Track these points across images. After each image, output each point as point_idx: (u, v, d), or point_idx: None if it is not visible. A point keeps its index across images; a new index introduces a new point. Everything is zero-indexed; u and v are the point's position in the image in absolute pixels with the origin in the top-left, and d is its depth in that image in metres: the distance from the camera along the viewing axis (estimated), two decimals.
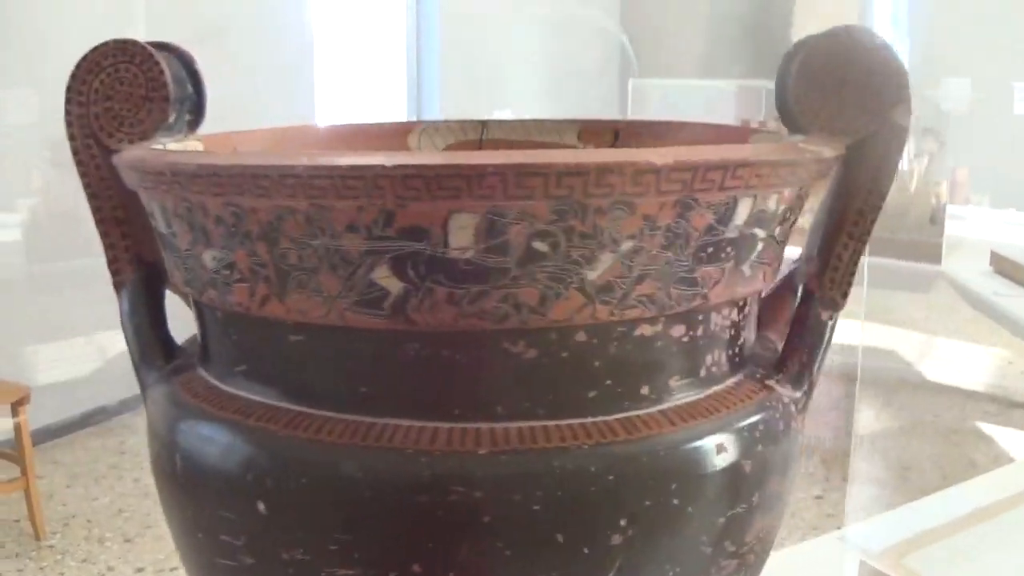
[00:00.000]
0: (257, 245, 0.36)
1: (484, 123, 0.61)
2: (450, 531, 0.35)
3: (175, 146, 0.47)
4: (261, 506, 0.37)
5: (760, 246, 0.40)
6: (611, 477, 0.36)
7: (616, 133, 0.58)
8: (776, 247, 0.41)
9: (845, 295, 0.45)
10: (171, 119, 0.48)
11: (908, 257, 1.68)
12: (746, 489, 0.40)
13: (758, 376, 0.43)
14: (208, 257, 0.38)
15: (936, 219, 1.75)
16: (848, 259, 0.44)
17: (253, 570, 0.38)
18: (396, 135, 0.60)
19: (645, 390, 0.38)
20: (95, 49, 0.45)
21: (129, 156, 0.39)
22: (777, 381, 0.43)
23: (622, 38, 3.89)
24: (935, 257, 1.67)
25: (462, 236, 0.33)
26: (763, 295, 0.53)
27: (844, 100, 0.43)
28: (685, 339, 0.39)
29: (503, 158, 0.32)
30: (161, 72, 0.45)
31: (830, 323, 0.44)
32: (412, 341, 0.36)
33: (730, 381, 0.42)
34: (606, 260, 0.35)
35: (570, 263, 0.34)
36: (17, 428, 1.85)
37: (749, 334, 0.44)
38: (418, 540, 0.35)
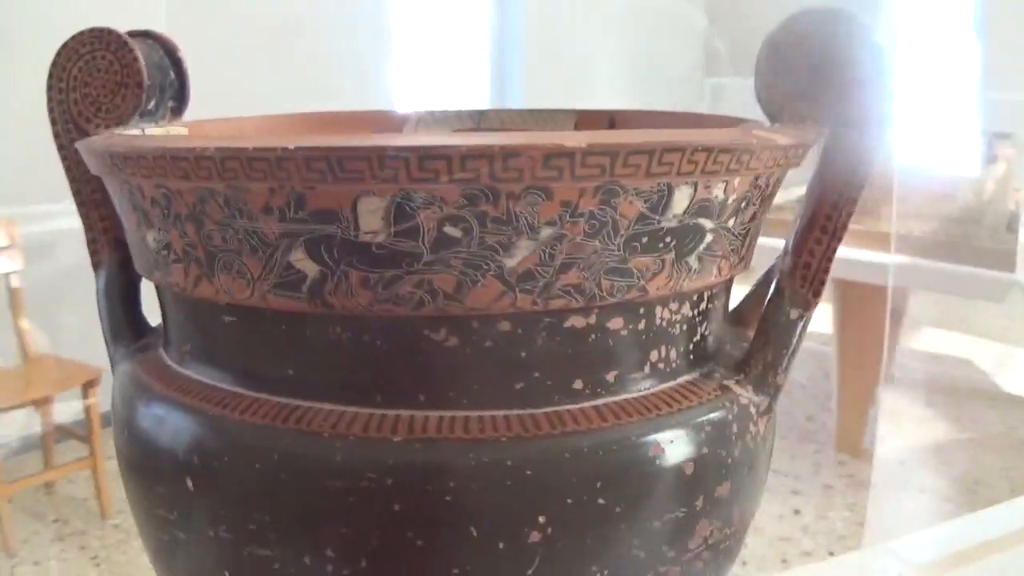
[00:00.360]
0: (187, 226, 0.36)
1: (482, 113, 0.60)
2: (362, 518, 0.35)
3: (156, 131, 0.48)
4: (189, 483, 0.37)
5: (709, 238, 0.38)
6: (529, 472, 0.35)
7: (611, 121, 0.57)
8: (733, 240, 0.40)
9: (817, 294, 0.42)
10: (150, 105, 0.49)
11: (982, 264, 1.60)
12: (688, 492, 0.38)
13: (716, 375, 0.41)
14: (151, 238, 0.39)
15: (1013, 227, 1.66)
16: (821, 255, 0.42)
17: (184, 545, 0.39)
18: (393, 123, 0.60)
19: (578, 384, 0.37)
20: (74, 37, 0.46)
21: (84, 142, 0.40)
22: (737, 382, 0.41)
23: (708, 34, 3.83)
24: (1010, 265, 1.58)
25: (371, 220, 0.33)
26: (754, 290, 0.51)
27: (816, 86, 0.41)
28: (624, 333, 0.38)
29: (404, 141, 0.31)
30: (135, 59, 0.46)
31: (800, 323, 0.42)
32: (333, 325, 0.36)
33: (681, 379, 0.40)
34: (524, 247, 0.34)
35: (485, 249, 0.33)
36: (87, 409, 1.92)
37: (710, 330, 0.42)
38: (331, 525, 0.35)
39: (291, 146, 0.32)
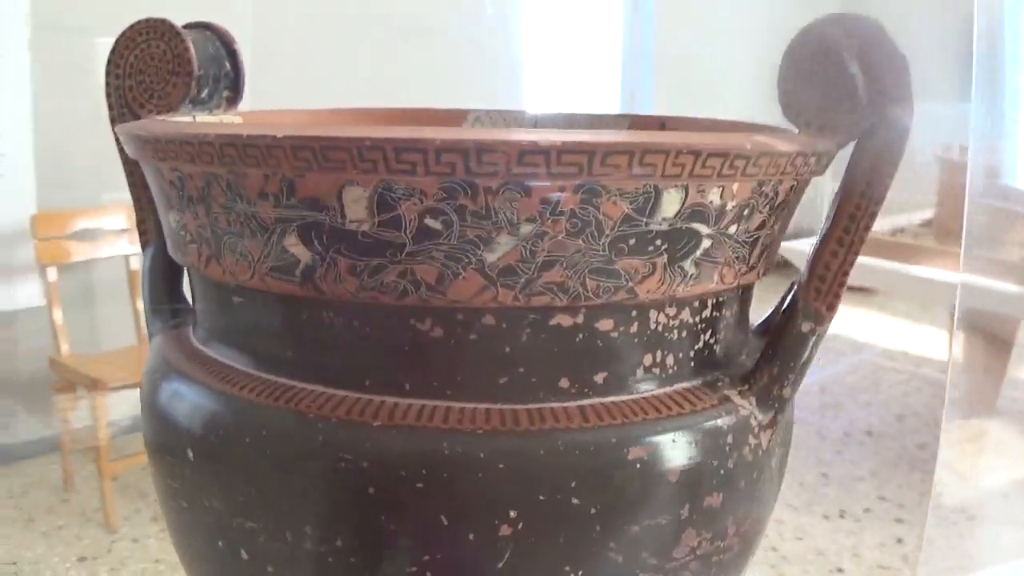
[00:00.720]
0: (198, 208, 0.38)
1: (536, 118, 0.60)
2: (338, 499, 0.36)
3: (208, 119, 0.51)
4: (190, 453, 0.39)
5: (706, 243, 0.37)
6: (502, 466, 0.35)
7: (662, 125, 0.57)
8: (738, 247, 0.39)
9: (832, 307, 0.41)
10: (203, 94, 0.51)
11: None
12: (671, 500, 0.38)
13: (719, 385, 0.41)
14: (172, 219, 0.41)
15: None
16: (837, 268, 0.41)
17: (185, 514, 0.41)
18: (449, 120, 0.61)
19: (564, 383, 0.37)
20: (131, 27, 0.49)
21: (119, 127, 0.43)
22: (740, 392, 0.41)
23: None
24: None
25: (356, 209, 0.34)
26: (779, 305, 0.50)
27: (836, 93, 0.40)
28: (614, 335, 0.38)
29: (383, 132, 0.32)
30: (186, 49, 0.49)
31: (812, 338, 0.41)
32: (324, 309, 0.37)
33: (677, 386, 0.40)
34: (505, 243, 0.34)
35: (466, 243, 0.34)
36: None
37: (717, 339, 0.42)
38: (310, 503, 0.36)
39: (279, 135, 0.33)
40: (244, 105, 0.54)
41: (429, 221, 0.34)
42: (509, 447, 0.35)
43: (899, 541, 2.06)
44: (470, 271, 0.35)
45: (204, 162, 0.36)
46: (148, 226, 0.50)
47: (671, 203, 0.35)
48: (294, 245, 0.36)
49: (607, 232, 0.35)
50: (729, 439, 0.39)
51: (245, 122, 0.53)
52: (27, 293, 2.10)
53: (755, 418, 0.40)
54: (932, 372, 2.51)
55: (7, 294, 2.11)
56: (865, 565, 1.94)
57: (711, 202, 0.36)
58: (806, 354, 0.41)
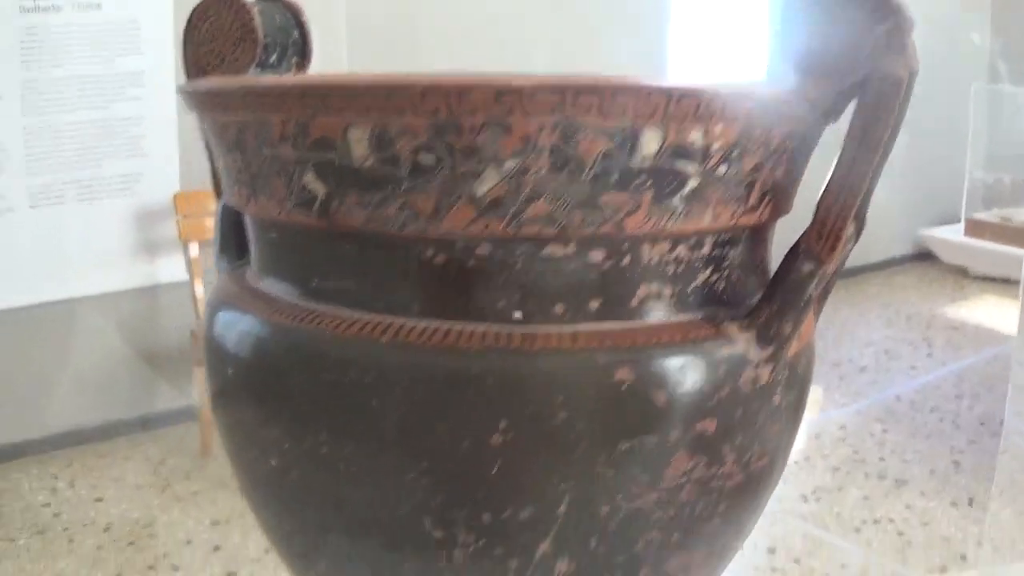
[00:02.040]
0: (235, 154, 0.43)
1: None
2: (347, 408, 0.40)
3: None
4: (229, 370, 0.44)
5: (694, 183, 0.40)
6: (490, 380, 0.39)
7: None
8: (732, 188, 0.41)
9: (832, 250, 0.43)
10: (271, 59, 0.56)
11: None
12: (659, 422, 0.40)
13: (716, 318, 0.43)
14: (220, 165, 0.46)
15: None
16: (837, 213, 0.42)
17: (224, 418, 0.46)
18: None
19: (558, 309, 0.40)
20: (203, 0, 0.54)
21: (179, 86, 0.48)
22: (739, 327, 0.43)
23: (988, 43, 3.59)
24: None
25: (359, 148, 0.38)
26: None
27: (831, 39, 0.41)
28: (607, 266, 0.40)
29: (376, 79, 0.36)
30: (252, 19, 0.54)
31: (813, 279, 0.43)
32: (340, 240, 0.41)
33: (672, 317, 0.42)
34: (492, 176, 0.37)
35: (457, 177, 0.38)
36: None
37: (722, 277, 0.44)
38: (325, 412, 0.41)
39: (289, 84, 0.37)
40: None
41: (423, 157, 0.37)
42: (500, 364, 0.39)
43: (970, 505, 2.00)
44: (462, 203, 0.38)
45: (235, 111, 0.41)
46: (218, 178, 0.56)
47: (650, 142, 0.38)
48: (311, 182, 0.40)
49: (588, 168, 0.38)
50: (723, 369, 0.41)
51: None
52: (170, 268, 2.26)
53: (753, 352, 0.42)
54: (1004, 348, 2.39)
55: (151, 269, 2.28)
56: (935, 534, 1.89)
57: (693, 143, 0.39)
58: (807, 294, 0.43)
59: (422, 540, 0.41)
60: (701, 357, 0.41)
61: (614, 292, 0.41)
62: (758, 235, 0.46)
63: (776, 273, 0.44)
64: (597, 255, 0.40)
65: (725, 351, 0.42)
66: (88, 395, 2.35)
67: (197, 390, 2.35)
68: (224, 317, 0.46)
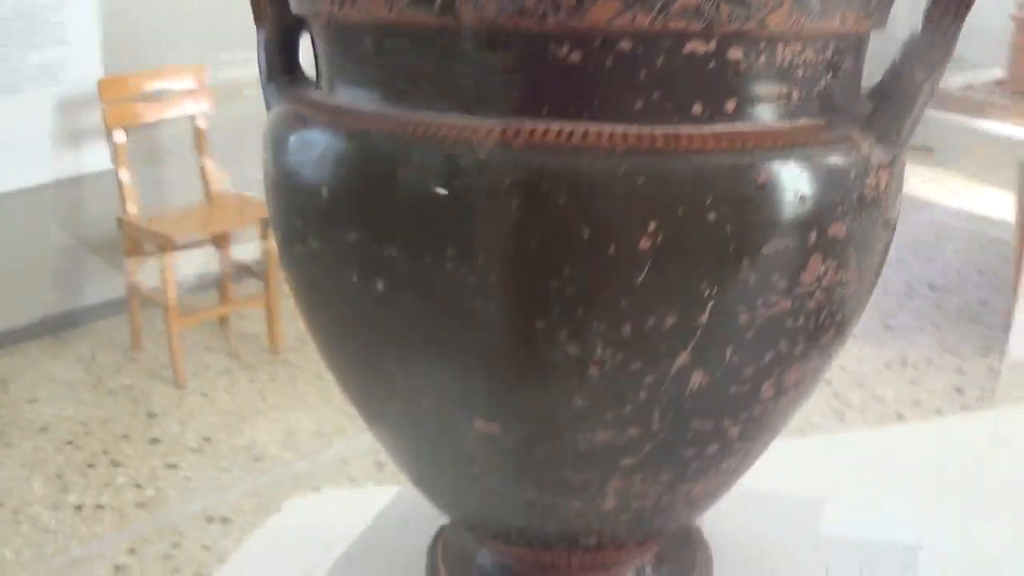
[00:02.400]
0: None
1: None
2: (481, 219, 0.38)
3: None
4: (324, 192, 0.41)
5: None
6: (640, 181, 0.37)
7: None
8: None
9: (944, 59, 0.42)
10: None
11: None
12: (798, 225, 0.39)
13: (839, 124, 0.42)
14: None
15: None
16: (949, 23, 0.41)
17: (318, 251, 0.43)
18: None
19: (697, 109, 0.38)
20: None
21: None
22: (861, 131, 0.42)
23: None
24: None
25: None
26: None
27: None
28: (744, 65, 0.38)
29: None
30: None
31: (926, 86, 0.42)
32: (463, 39, 0.38)
33: (803, 120, 0.41)
34: None
35: None
36: (265, 248, 2.06)
37: (838, 85, 0.42)
38: (452, 226, 0.38)
39: None
40: None
41: None
42: (648, 165, 0.37)
43: (959, 391, 2.08)
44: None
45: None
46: (263, 10, 0.51)
47: None
48: None
49: None
50: (851, 174, 0.40)
51: None
52: (95, 156, 2.15)
53: (876, 156, 0.41)
54: (996, 231, 2.49)
55: (75, 158, 2.16)
56: (924, 413, 1.97)
57: None
58: (920, 100, 0.42)
59: (555, 359, 0.39)
60: (835, 160, 0.40)
61: (749, 92, 0.39)
62: (863, 44, 0.45)
63: (889, 83, 0.43)
64: (735, 53, 0.38)
65: (854, 156, 0.41)
66: (14, 294, 2.24)
67: (125, 280, 2.26)
68: (300, 137, 0.43)
